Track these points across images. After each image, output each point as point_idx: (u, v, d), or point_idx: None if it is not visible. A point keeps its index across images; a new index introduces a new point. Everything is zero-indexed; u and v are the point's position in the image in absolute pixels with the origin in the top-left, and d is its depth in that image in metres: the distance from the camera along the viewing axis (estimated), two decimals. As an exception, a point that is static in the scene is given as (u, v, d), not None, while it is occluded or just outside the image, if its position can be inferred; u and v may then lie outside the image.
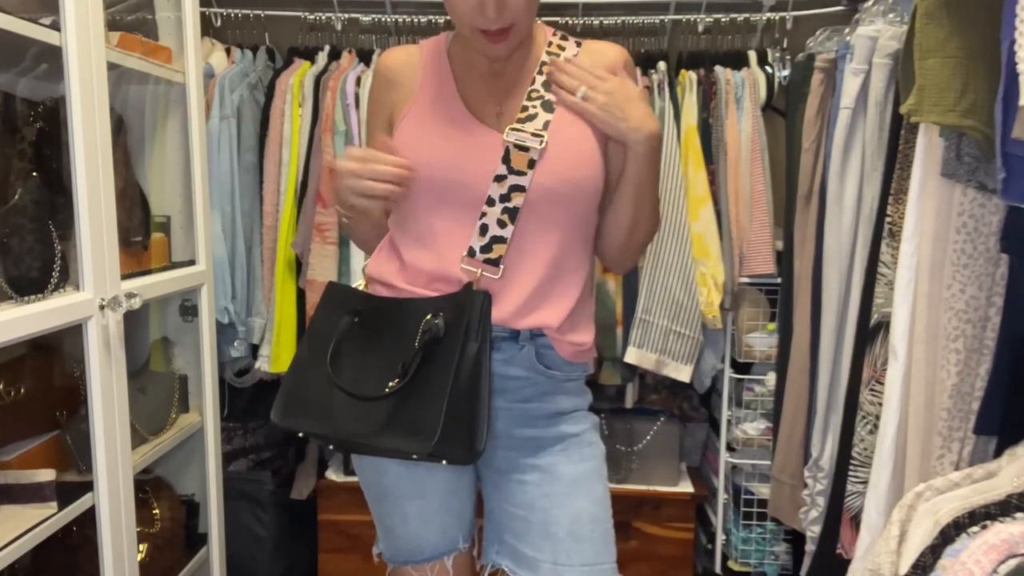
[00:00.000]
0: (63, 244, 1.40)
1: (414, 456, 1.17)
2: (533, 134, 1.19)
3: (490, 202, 1.18)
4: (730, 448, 2.39)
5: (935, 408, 1.34)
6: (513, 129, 1.19)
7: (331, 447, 1.39)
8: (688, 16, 2.40)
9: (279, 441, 2.53)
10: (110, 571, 1.48)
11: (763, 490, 2.32)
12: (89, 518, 1.48)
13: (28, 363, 1.57)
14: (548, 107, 1.22)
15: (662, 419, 2.42)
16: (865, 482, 1.53)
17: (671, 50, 2.50)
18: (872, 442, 1.55)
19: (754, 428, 2.34)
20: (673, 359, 2.22)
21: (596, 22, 2.44)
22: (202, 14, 2.06)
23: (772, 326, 2.29)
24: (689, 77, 2.26)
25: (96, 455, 1.46)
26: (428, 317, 1.16)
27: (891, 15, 1.70)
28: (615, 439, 2.40)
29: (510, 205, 1.17)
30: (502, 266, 1.18)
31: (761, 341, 2.30)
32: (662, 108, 2.22)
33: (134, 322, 1.74)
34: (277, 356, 2.27)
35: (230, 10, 2.45)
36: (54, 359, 1.64)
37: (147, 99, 1.87)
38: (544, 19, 2.23)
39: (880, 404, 1.48)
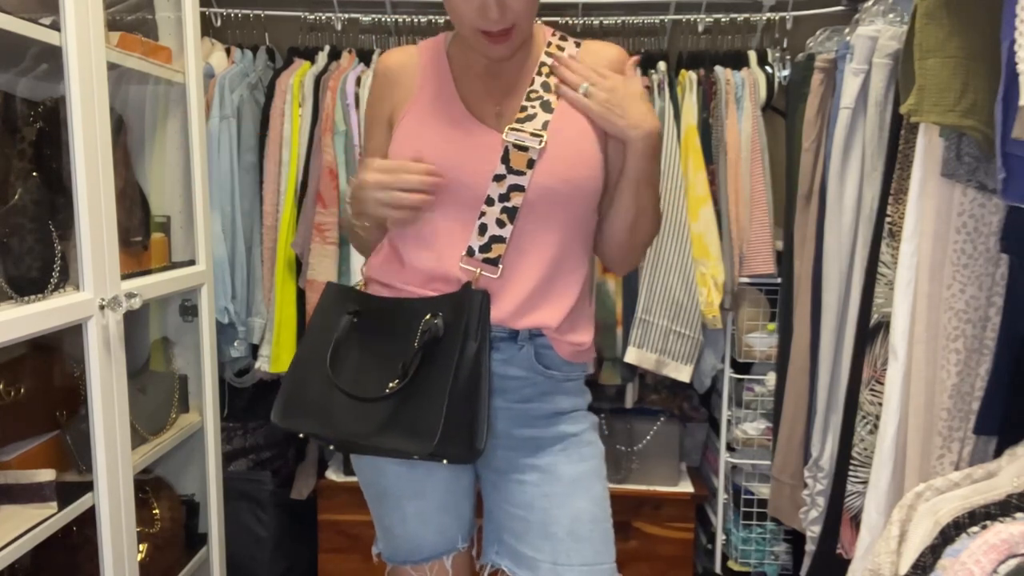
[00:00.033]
0: (63, 244, 1.40)
1: (415, 456, 1.17)
2: (532, 134, 1.19)
3: (489, 202, 1.18)
4: (730, 448, 2.39)
5: (935, 408, 1.34)
6: (512, 129, 1.19)
7: (331, 447, 1.39)
8: (688, 16, 2.40)
9: (279, 441, 2.53)
10: (110, 571, 1.48)
11: (763, 490, 2.32)
12: (89, 518, 1.48)
13: (28, 363, 1.57)
14: (547, 107, 1.22)
15: (662, 419, 2.42)
16: (865, 482, 1.53)
17: (671, 50, 2.50)
18: (872, 442, 1.55)
19: (754, 428, 2.34)
20: (673, 359, 2.22)
21: (596, 22, 2.44)
22: (202, 14, 2.06)
23: (772, 326, 2.29)
24: (689, 77, 2.26)
25: (96, 455, 1.46)
26: (427, 317, 1.16)
27: (891, 15, 1.70)
28: (615, 439, 2.40)
29: (509, 205, 1.18)
30: (501, 266, 1.18)
31: (761, 341, 2.30)
32: (662, 108, 2.22)
33: (134, 322, 1.74)
34: (277, 356, 2.27)
35: (230, 10, 2.45)
36: (54, 359, 1.64)
37: (147, 99, 1.87)
38: (544, 19, 2.24)
39: (880, 404, 1.48)
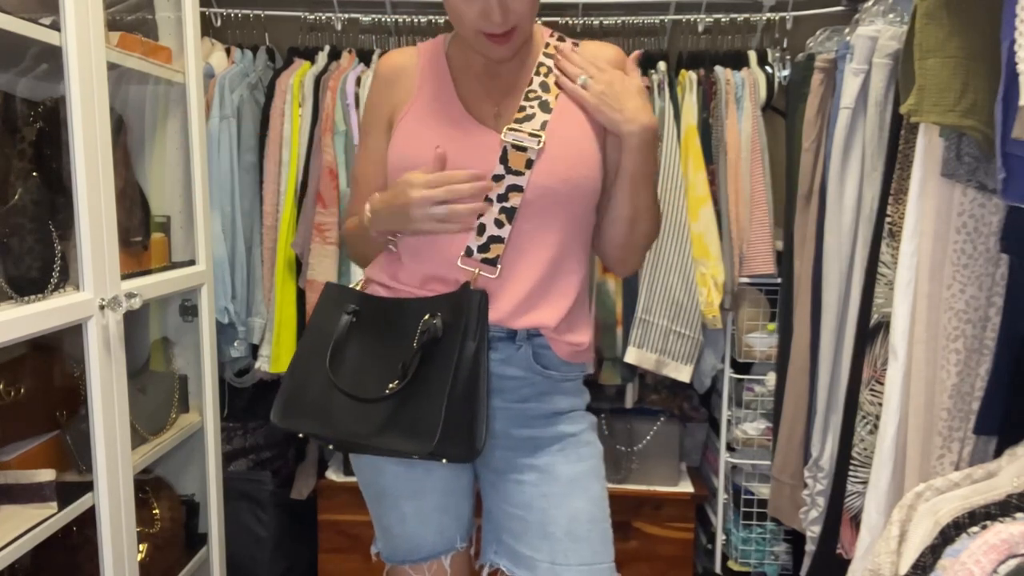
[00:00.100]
0: (63, 244, 1.40)
1: (414, 456, 1.17)
2: (531, 134, 1.19)
3: (487, 202, 1.18)
4: (730, 448, 2.39)
5: (935, 408, 1.34)
6: (511, 129, 1.19)
7: (331, 447, 1.39)
8: (688, 16, 2.40)
9: (279, 441, 2.53)
10: (110, 571, 1.48)
11: (763, 490, 2.31)
12: (89, 518, 1.48)
13: (28, 363, 1.57)
14: (546, 107, 1.22)
15: (662, 419, 2.42)
16: (865, 482, 1.53)
17: (671, 50, 2.50)
18: (872, 442, 1.55)
19: (754, 428, 2.34)
20: (673, 359, 2.22)
21: (596, 22, 2.44)
22: (202, 14, 2.06)
23: (772, 326, 2.29)
24: (689, 77, 2.26)
25: (96, 455, 1.46)
26: (426, 317, 1.17)
27: (891, 15, 1.69)
28: (615, 439, 2.40)
29: (507, 205, 1.18)
30: (499, 266, 1.18)
31: (761, 341, 2.30)
32: (662, 108, 2.22)
33: (134, 322, 1.74)
34: (277, 356, 2.27)
35: (230, 10, 2.45)
36: (54, 359, 1.64)
37: (147, 99, 1.87)
38: (544, 19, 2.24)
39: (880, 404, 1.48)
